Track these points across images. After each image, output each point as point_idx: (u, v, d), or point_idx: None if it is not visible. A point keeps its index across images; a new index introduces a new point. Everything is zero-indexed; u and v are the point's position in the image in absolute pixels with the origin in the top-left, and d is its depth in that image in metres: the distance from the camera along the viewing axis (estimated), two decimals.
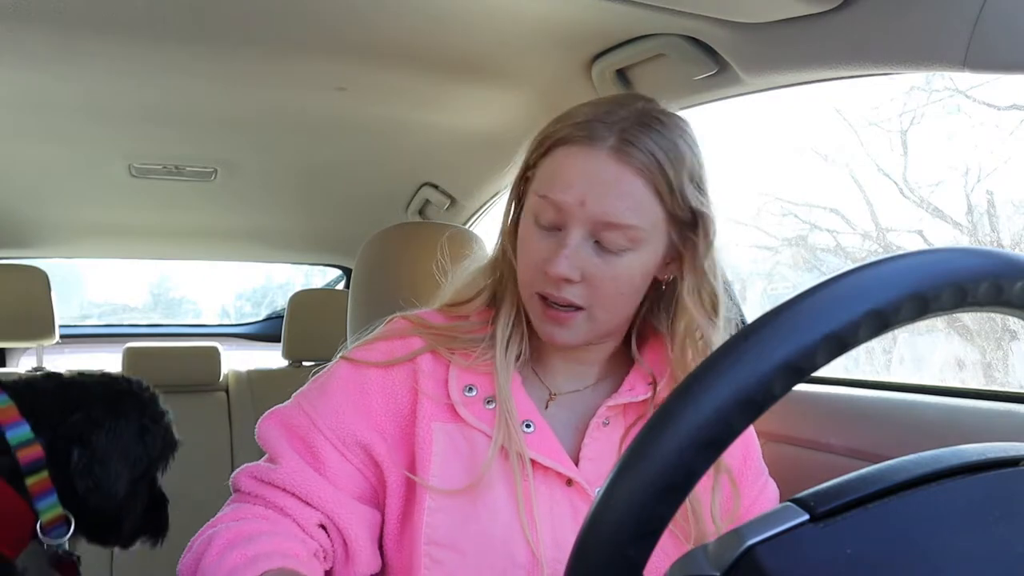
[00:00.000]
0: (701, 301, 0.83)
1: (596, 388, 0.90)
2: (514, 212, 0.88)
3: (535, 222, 0.81)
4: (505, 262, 0.88)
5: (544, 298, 0.81)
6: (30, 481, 0.96)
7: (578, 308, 0.80)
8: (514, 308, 0.87)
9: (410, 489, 0.84)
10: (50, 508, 0.98)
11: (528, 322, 0.87)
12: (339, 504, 0.81)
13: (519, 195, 0.87)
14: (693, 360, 0.85)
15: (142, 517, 1.09)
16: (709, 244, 0.82)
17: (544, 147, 0.82)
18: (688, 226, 0.81)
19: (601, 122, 0.78)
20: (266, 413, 0.88)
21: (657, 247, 0.81)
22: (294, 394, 0.90)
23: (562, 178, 0.78)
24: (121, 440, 1.02)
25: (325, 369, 0.90)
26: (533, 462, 0.81)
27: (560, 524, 0.81)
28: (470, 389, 0.84)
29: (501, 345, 0.85)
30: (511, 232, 0.87)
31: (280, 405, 0.89)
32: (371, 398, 0.85)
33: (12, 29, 1.10)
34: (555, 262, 0.77)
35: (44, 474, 0.97)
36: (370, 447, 0.83)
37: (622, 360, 0.92)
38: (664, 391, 0.87)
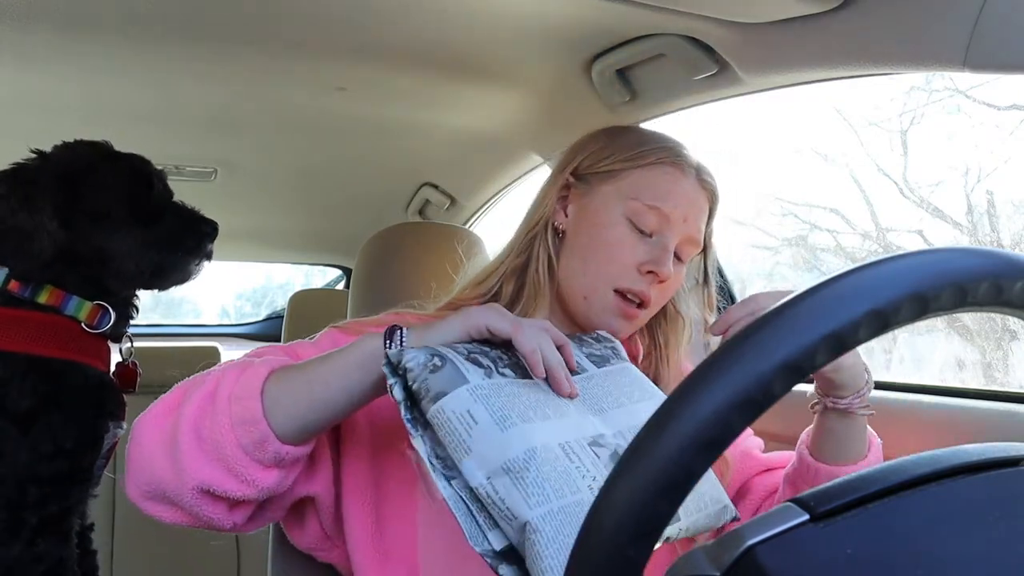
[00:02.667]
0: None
1: None
2: (557, 211, 0.94)
3: (631, 225, 0.89)
4: (543, 259, 0.92)
5: (622, 294, 0.87)
6: (41, 299, 1.09)
7: (644, 306, 0.89)
8: (548, 301, 0.92)
9: (378, 488, 0.80)
10: (78, 307, 1.12)
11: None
12: None
13: (563, 195, 0.95)
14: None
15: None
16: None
17: (642, 160, 0.90)
18: None
19: (683, 151, 0.92)
20: (248, 353, 0.82)
21: None
22: (273, 346, 0.86)
23: (672, 194, 0.89)
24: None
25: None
26: None
27: None
28: None
29: None
30: (550, 230, 0.93)
31: (263, 351, 0.83)
32: None
33: (12, 29, 1.10)
34: (662, 263, 0.87)
35: (47, 288, 1.10)
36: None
37: None
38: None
